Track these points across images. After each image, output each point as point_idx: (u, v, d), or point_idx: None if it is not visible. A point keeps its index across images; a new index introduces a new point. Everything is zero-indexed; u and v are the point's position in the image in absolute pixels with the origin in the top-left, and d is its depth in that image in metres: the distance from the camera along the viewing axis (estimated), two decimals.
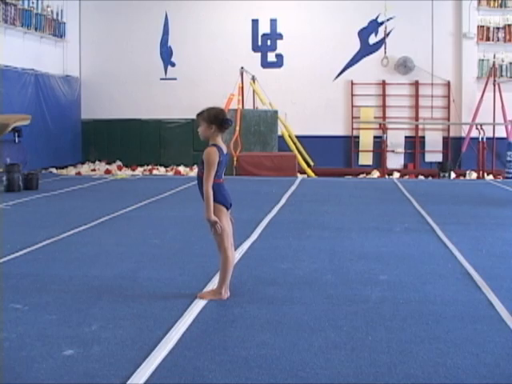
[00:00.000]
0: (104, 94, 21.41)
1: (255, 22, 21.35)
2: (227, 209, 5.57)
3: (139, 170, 20.13)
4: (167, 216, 10.19)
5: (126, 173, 19.04)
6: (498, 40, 20.93)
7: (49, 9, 19.65)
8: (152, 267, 6.64)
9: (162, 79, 21.59)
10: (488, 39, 20.93)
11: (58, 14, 20.22)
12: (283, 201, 12.07)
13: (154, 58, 21.55)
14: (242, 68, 19.58)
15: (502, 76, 20.78)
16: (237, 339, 4.46)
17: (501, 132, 19.80)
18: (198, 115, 5.54)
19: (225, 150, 5.58)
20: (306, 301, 5.41)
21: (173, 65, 21.60)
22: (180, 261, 6.93)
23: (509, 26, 20.88)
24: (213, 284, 5.82)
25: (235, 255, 6.13)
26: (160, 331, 4.57)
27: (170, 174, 19.85)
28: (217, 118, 5.47)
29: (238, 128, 18.16)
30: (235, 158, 17.68)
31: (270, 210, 10.63)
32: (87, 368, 3.92)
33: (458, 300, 5.50)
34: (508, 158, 18.41)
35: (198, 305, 5.23)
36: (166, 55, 21.64)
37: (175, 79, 21.45)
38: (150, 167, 20.59)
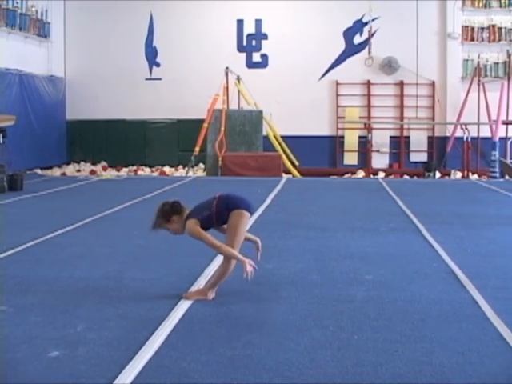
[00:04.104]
0: (89, 95, 21.35)
1: (240, 22, 21.36)
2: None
3: (124, 171, 20.08)
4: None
5: (111, 173, 18.98)
6: (483, 40, 21.04)
7: (33, 9, 19.58)
8: (137, 268, 6.62)
9: (147, 79, 21.56)
10: (472, 39, 21.02)
11: (42, 14, 20.14)
12: (268, 201, 12.07)
13: (139, 58, 21.52)
14: (227, 68, 19.57)
15: (486, 76, 20.87)
16: (222, 339, 4.45)
17: (485, 132, 19.88)
18: (157, 224, 5.63)
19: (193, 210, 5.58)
20: (291, 300, 5.41)
21: (158, 65, 21.58)
22: (165, 261, 6.92)
23: (493, 26, 20.99)
24: (198, 284, 5.82)
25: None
26: (146, 332, 4.56)
27: (155, 174, 19.81)
28: (168, 210, 5.59)
29: (222, 128, 18.15)
30: (220, 159, 17.66)
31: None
32: (73, 369, 3.91)
33: (444, 299, 5.52)
34: (492, 158, 18.49)
35: (184, 305, 5.22)
36: (151, 55, 21.61)
37: (160, 79, 21.43)
38: (135, 168, 20.55)
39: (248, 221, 5.60)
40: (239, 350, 4.26)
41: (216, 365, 4.01)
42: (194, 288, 5.70)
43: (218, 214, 5.48)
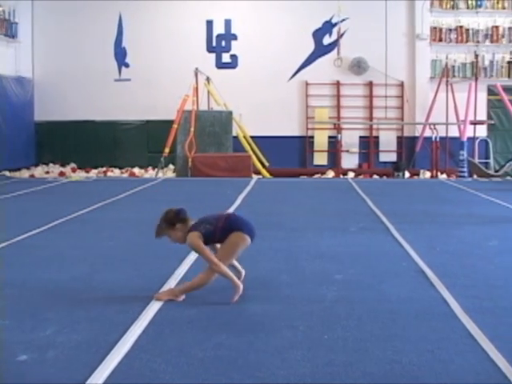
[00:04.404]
0: (58, 96, 21.17)
1: (210, 23, 21.31)
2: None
3: (94, 172, 19.95)
4: (122, 218, 10.12)
5: (81, 175, 18.85)
6: (451, 41, 21.21)
7: (0, 9, 19.40)
8: (107, 270, 6.59)
9: (116, 80, 21.43)
10: (440, 40, 21.18)
11: (10, 14, 19.97)
12: (238, 201, 12.07)
13: (108, 58, 21.38)
14: (197, 69, 19.52)
15: (454, 76, 21.04)
16: (193, 341, 4.44)
17: (454, 132, 20.04)
18: (160, 231, 5.60)
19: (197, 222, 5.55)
20: (261, 301, 5.41)
21: (127, 66, 21.46)
22: (135, 263, 6.89)
23: (461, 27, 21.17)
24: (169, 286, 5.80)
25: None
26: (116, 334, 4.53)
27: (125, 175, 19.71)
28: (173, 217, 5.53)
29: (192, 129, 18.11)
30: (190, 160, 17.62)
31: (225, 211, 10.60)
32: (42, 373, 3.88)
33: (413, 298, 5.55)
34: (461, 157, 18.64)
35: (154, 307, 5.20)
36: (120, 56, 21.49)
37: (129, 80, 21.31)
38: (104, 169, 20.42)
39: (246, 247, 5.58)
40: (210, 351, 4.26)
41: (187, 366, 4.00)
42: (163, 289, 5.68)
43: (222, 232, 5.47)
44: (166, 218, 5.56)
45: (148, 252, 7.42)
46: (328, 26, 21.25)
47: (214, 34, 21.37)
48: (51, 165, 20.92)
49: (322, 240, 8.25)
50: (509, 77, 21.31)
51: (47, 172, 19.93)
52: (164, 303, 5.30)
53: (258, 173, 18.66)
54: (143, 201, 12.48)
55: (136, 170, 20.24)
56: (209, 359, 4.11)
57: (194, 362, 4.06)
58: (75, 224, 9.57)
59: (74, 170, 20.26)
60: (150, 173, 19.72)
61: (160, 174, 18.41)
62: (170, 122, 18.51)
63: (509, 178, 18.32)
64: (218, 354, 4.21)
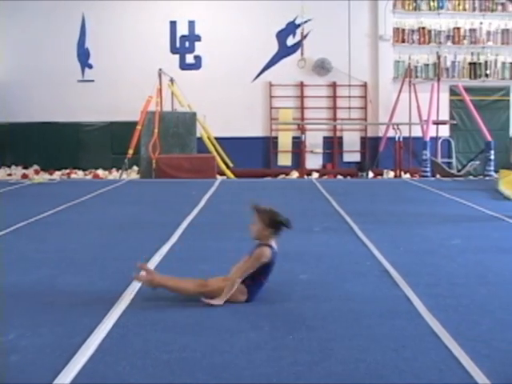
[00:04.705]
0: (20, 97, 20.98)
1: (173, 24, 21.28)
2: None
3: (57, 174, 19.79)
4: (86, 220, 10.04)
5: (44, 177, 18.66)
6: (413, 42, 21.42)
7: None
8: (71, 272, 6.53)
9: (79, 81, 21.30)
10: (403, 41, 21.40)
11: None
12: (203, 203, 12.05)
13: (71, 59, 21.24)
14: (161, 70, 19.45)
15: (417, 77, 21.25)
16: (158, 343, 4.43)
17: (417, 131, 20.21)
18: (258, 212, 5.66)
19: (276, 249, 5.59)
20: (226, 302, 5.40)
21: (90, 67, 21.35)
22: (99, 265, 6.84)
23: (423, 28, 21.41)
24: (133, 288, 5.76)
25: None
26: (80, 337, 4.49)
27: (89, 177, 19.59)
28: (277, 223, 5.61)
29: (156, 130, 18.04)
30: (154, 161, 17.56)
31: (189, 212, 10.59)
32: (4, 378, 3.83)
33: (377, 297, 5.59)
34: (424, 157, 18.79)
35: (118, 309, 5.17)
36: (83, 57, 21.37)
37: (93, 81, 21.19)
38: (68, 171, 20.28)
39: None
40: (175, 353, 4.24)
41: (152, 369, 3.99)
42: (128, 291, 5.64)
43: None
44: (271, 218, 5.62)
45: (112, 254, 7.39)
46: (291, 27, 21.33)
47: (178, 35, 21.35)
48: (13, 167, 20.72)
49: (286, 240, 8.20)
50: (470, 77, 21.60)
51: (9, 174, 19.72)
52: (128, 306, 5.27)
53: (222, 174, 18.65)
54: (107, 203, 12.40)
55: (100, 172, 20.12)
56: (174, 361, 4.10)
57: (159, 364, 4.05)
58: (39, 226, 9.48)
59: (37, 172, 20.09)
60: (114, 174, 19.62)
61: (124, 176, 18.32)
62: (133, 124, 18.42)
63: (471, 177, 18.52)
64: (183, 355, 4.20)
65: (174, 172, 17.40)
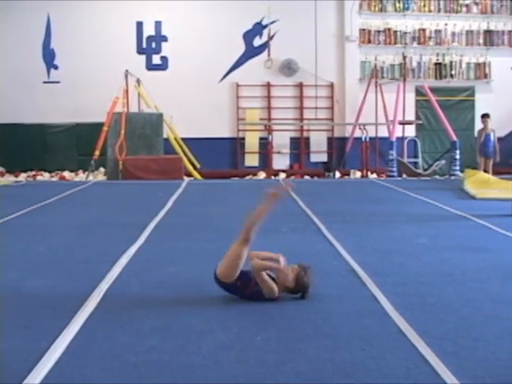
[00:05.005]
0: None
1: (140, 24, 21.18)
2: None
3: (23, 176, 19.60)
4: (52, 222, 9.96)
5: (9, 179, 18.49)
6: (379, 43, 21.56)
7: None
8: (37, 275, 6.47)
9: (44, 82, 21.11)
10: (369, 42, 21.53)
11: None
12: (170, 204, 12.01)
13: (36, 60, 21.04)
14: (127, 71, 19.38)
15: (383, 77, 21.39)
16: (125, 345, 4.40)
17: (383, 132, 20.33)
18: (299, 275, 5.57)
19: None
20: (194, 303, 5.39)
21: (56, 67, 21.17)
22: (65, 268, 6.78)
23: (389, 29, 21.55)
24: (99, 290, 5.73)
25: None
26: (46, 341, 4.44)
27: (55, 179, 19.44)
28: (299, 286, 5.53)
29: (122, 131, 17.96)
30: (120, 162, 17.47)
31: (156, 214, 10.55)
32: None
33: (344, 296, 5.61)
34: (390, 157, 18.92)
35: (85, 312, 5.13)
36: (49, 58, 21.18)
37: (58, 82, 21.01)
38: (33, 173, 20.09)
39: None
40: (142, 355, 4.22)
41: (119, 371, 3.96)
42: (94, 293, 5.61)
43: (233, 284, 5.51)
44: (300, 282, 5.54)
45: (79, 256, 7.33)
46: (258, 28, 21.35)
47: (145, 36, 21.26)
48: None
49: (254, 241, 8.25)
50: (436, 78, 21.79)
51: None
52: (95, 308, 5.23)
53: (189, 175, 18.62)
54: (73, 205, 12.31)
55: (66, 174, 19.98)
56: (141, 363, 4.08)
57: (126, 367, 4.02)
58: (4, 229, 9.39)
59: (2, 174, 19.88)
60: (81, 176, 19.49)
61: (90, 178, 18.21)
62: (100, 125, 18.32)
63: (437, 177, 18.68)
64: (150, 357, 4.18)
65: (141, 173, 17.33)
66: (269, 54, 21.19)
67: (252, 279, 5.43)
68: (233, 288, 5.47)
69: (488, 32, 21.95)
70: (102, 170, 19.40)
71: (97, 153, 17.92)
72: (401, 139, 20.27)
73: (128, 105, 19.14)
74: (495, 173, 16.12)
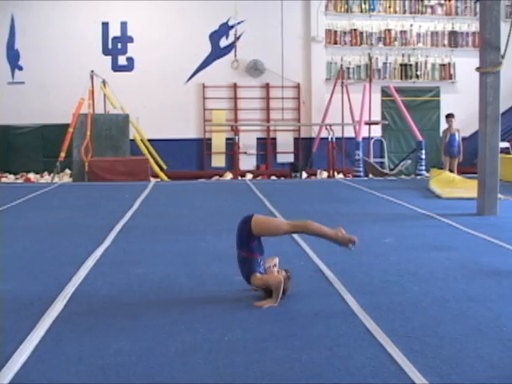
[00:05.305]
0: None
1: (105, 25, 21.08)
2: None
3: None
4: (18, 225, 9.86)
5: None
6: (345, 44, 21.68)
7: None
8: (2, 279, 6.39)
9: (9, 83, 20.91)
10: (336, 43, 21.64)
11: None
12: (136, 205, 11.95)
13: (1, 61, 20.84)
14: (93, 71, 19.26)
15: (349, 78, 21.52)
16: (92, 348, 4.37)
17: (349, 132, 20.45)
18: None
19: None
20: (161, 305, 5.38)
21: (20, 68, 20.99)
22: (31, 271, 6.72)
23: (355, 30, 21.67)
24: (66, 293, 5.68)
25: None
26: (11, 345, 4.39)
27: (20, 181, 19.26)
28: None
29: (88, 133, 17.85)
30: (86, 164, 17.36)
31: (122, 216, 10.49)
32: None
33: (312, 296, 5.62)
34: (356, 157, 19.02)
35: (51, 315, 5.09)
36: (13, 58, 20.99)
37: (23, 83, 20.83)
38: None
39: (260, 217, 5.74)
40: (110, 358, 4.20)
41: (86, 374, 3.93)
42: (60, 296, 5.56)
43: (254, 246, 5.64)
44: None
45: (45, 259, 7.27)
46: (225, 29, 21.35)
47: (110, 37, 21.16)
48: None
49: (220, 242, 8.26)
50: (401, 78, 21.95)
51: None
52: (61, 311, 5.19)
53: (156, 176, 18.56)
54: (39, 207, 12.20)
55: (31, 176, 19.81)
56: (109, 366, 4.05)
57: (93, 370, 4.00)
58: None
59: None
60: (46, 178, 19.34)
61: (56, 179, 18.07)
62: (65, 126, 18.19)
63: (403, 176, 18.81)
64: (117, 360, 4.15)
65: (107, 175, 17.23)
66: (235, 55, 21.19)
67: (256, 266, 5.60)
68: (245, 239, 5.61)
69: (453, 33, 22.18)
70: (67, 171, 19.26)
71: (62, 154, 17.79)
72: (367, 139, 20.39)
73: (94, 106, 19.03)
74: (460, 172, 16.27)
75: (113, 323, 4.91)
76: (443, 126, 18.11)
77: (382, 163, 20.98)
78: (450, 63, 22.14)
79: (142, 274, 6.48)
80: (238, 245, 5.66)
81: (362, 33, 21.76)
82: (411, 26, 21.98)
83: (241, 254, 5.64)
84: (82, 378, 3.87)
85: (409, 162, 18.91)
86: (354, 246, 5.62)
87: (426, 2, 21.99)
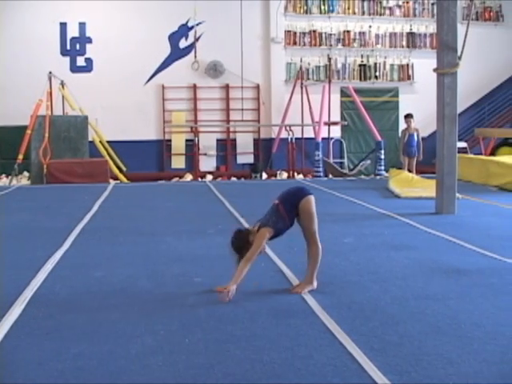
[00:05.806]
0: None
1: (63, 26, 20.86)
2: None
3: None
4: None
5: None
6: (305, 45, 21.75)
7: None
8: None
9: None
10: (295, 43, 21.70)
11: None
12: (95, 207, 11.86)
13: None
14: (51, 73, 19.08)
15: (308, 79, 21.59)
16: (51, 352, 4.33)
17: (309, 133, 20.52)
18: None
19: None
20: (121, 308, 5.35)
21: None
22: None
23: (314, 31, 21.76)
24: (24, 297, 5.62)
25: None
26: None
27: None
28: (239, 243, 5.77)
29: (47, 135, 17.67)
30: (45, 166, 17.19)
31: (82, 218, 10.41)
32: None
33: (272, 297, 5.64)
34: (316, 158, 19.09)
35: (10, 319, 5.03)
36: None
37: None
38: None
39: (314, 205, 6.00)
40: (69, 362, 4.16)
41: (46, 379, 3.90)
42: (19, 300, 5.50)
43: (290, 216, 5.92)
44: (238, 248, 5.76)
45: (2, 263, 7.16)
46: (184, 30, 21.29)
47: (68, 37, 20.95)
48: None
49: (180, 243, 8.24)
50: (360, 79, 22.11)
51: None
52: (19, 316, 5.13)
53: (115, 178, 18.44)
54: None
55: None
56: (68, 370, 4.02)
57: (53, 375, 3.96)
58: None
59: None
60: (4, 181, 19.09)
61: (14, 182, 17.86)
62: (23, 128, 17.97)
63: (362, 176, 18.93)
64: (77, 364, 4.12)
65: (66, 177, 17.08)
66: (195, 56, 21.15)
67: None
68: (289, 206, 5.93)
69: (411, 34, 22.39)
70: (25, 174, 19.04)
71: (20, 157, 17.60)
72: (326, 140, 20.49)
73: (52, 107, 18.85)
74: (419, 172, 16.43)
75: (72, 327, 4.87)
76: (402, 126, 18.27)
77: (341, 163, 21.09)
78: (408, 64, 22.34)
79: (102, 277, 6.44)
80: (282, 199, 5.97)
81: (321, 34, 21.85)
82: (370, 27, 22.13)
83: (279, 206, 5.91)
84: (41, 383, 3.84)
85: (368, 162, 19.03)
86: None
87: (384, 4, 22.18)
